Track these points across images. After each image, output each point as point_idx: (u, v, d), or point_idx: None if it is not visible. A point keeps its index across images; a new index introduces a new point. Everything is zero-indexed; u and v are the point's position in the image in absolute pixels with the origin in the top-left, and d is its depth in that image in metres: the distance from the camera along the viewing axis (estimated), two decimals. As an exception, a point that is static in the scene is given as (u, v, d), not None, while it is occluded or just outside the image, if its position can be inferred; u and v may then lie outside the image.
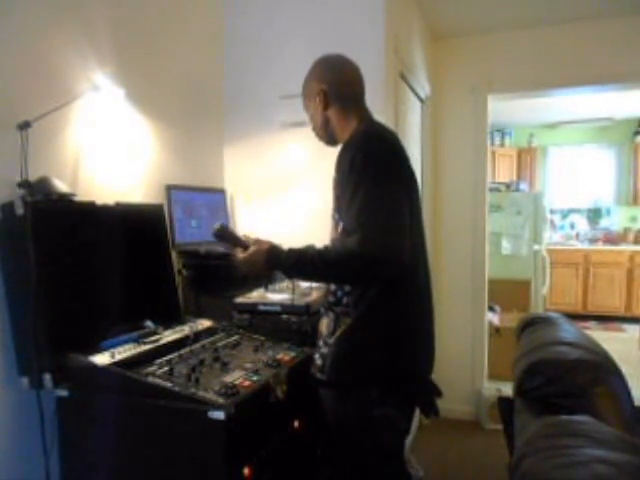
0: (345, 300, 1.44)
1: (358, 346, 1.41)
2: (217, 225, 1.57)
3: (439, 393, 1.53)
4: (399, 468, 1.59)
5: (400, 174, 1.41)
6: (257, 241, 1.52)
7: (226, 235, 1.57)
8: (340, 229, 1.42)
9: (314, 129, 1.64)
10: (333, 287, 1.49)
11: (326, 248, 1.41)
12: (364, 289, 1.40)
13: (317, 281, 1.74)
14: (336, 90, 1.54)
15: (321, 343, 1.50)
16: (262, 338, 1.79)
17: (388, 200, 1.32)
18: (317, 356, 1.50)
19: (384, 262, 1.29)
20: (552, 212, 6.75)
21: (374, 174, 1.33)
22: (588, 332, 1.73)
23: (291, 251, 1.43)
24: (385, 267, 1.30)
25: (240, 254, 1.52)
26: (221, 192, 2.67)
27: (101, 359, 1.41)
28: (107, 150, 1.93)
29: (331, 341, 1.44)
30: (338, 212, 1.44)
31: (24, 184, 1.50)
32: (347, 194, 1.35)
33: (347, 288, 1.44)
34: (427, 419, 1.56)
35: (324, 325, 1.50)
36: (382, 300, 1.40)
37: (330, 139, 1.60)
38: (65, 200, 1.61)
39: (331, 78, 1.55)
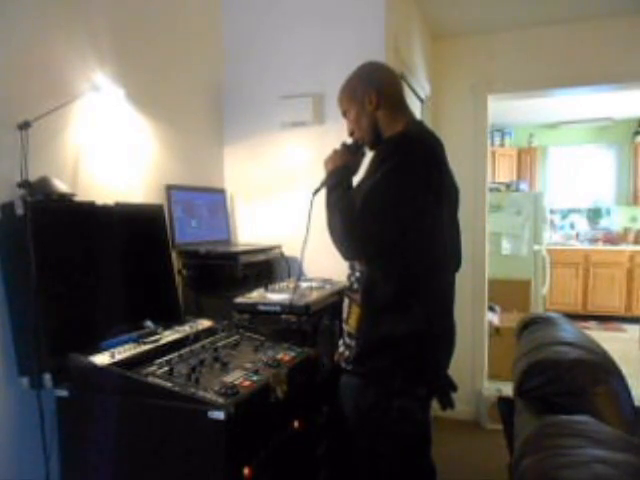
0: (355, 286, 1.53)
1: (383, 340, 1.48)
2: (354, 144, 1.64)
3: (455, 388, 1.61)
4: (419, 460, 1.64)
5: (427, 181, 1.45)
6: (345, 146, 1.63)
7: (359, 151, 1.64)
8: None
9: (358, 132, 1.64)
10: (349, 272, 1.57)
11: (352, 207, 1.46)
12: (374, 281, 1.48)
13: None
14: (386, 91, 1.59)
15: (346, 333, 1.57)
16: (262, 338, 1.79)
17: (389, 202, 1.41)
18: (341, 342, 1.59)
19: (355, 247, 1.45)
20: (552, 212, 6.75)
21: (396, 177, 1.41)
22: (588, 332, 1.73)
23: (346, 188, 1.53)
24: (354, 252, 1.47)
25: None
26: (221, 192, 2.67)
27: (101, 359, 1.41)
28: (107, 150, 1.93)
29: (355, 333, 1.52)
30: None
31: (24, 184, 1.50)
32: (368, 183, 1.46)
33: (357, 274, 1.53)
34: (443, 411, 1.61)
35: (354, 316, 1.57)
36: (408, 300, 1.47)
37: (377, 140, 1.62)
38: (65, 200, 1.61)
39: (380, 80, 1.61)
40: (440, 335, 1.55)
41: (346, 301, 1.58)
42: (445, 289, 1.57)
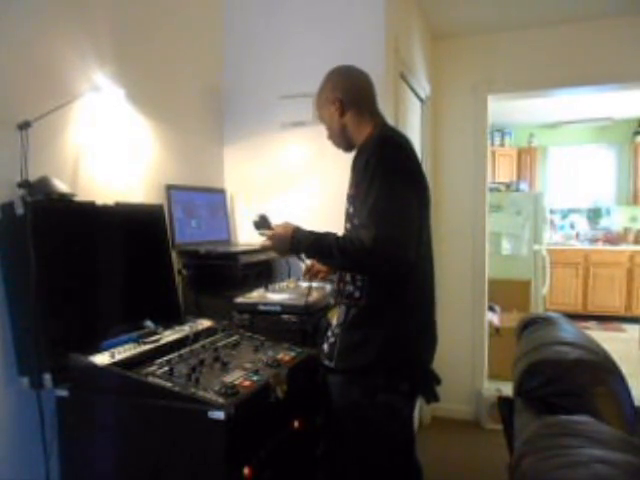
0: (356, 294, 1.52)
1: (365, 335, 1.49)
2: (257, 217, 1.64)
3: (439, 381, 1.62)
4: (405, 457, 1.66)
5: (412, 177, 1.50)
6: (285, 223, 1.59)
7: (265, 224, 1.63)
8: (352, 224, 1.53)
9: (331, 137, 1.69)
10: (344, 282, 1.56)
11: (343, 238, 1.47)
12: (372, 285, 1.50)
13: (331, 266, 1.78)
14: (351, 97, 1.60)
15: (329, 333, 1.59)
16: (262, 338, 1.79)
17: (399, 201, 1.41)
18: (325, 345, 1.59)
19: (392, 259, 1.38)
20: (552, 212, 6.75)
21: (387, 176, 1.41)
22: (588, 332, 1.73)
23: (311, 233, 1.50)
24: (392, 264, 1.40)
25: (269, 233, 1.59)
26: (221, 192, 2.67)
27: (101, 359, 1.41)
28: (107, 150, 1.93)
29: (338, 331, 1.54)
30: (353, 207, 1.52)
31: (24, 184, 1.50)
32: (361, 193, 1.44)
33: (358, 283, 1.52)
34: (428, 405, 1.62)
35: (335, 315, 1.59)
36: (390, 295, 1.50)
37: (347, 145, 1.66)
38: (65, 200, 1.61)
39: (345, 86, 1.62)
40: (421, 330, 1.58)
41: (342, 308, 1.57)
42: (425, 286, 1.60)
